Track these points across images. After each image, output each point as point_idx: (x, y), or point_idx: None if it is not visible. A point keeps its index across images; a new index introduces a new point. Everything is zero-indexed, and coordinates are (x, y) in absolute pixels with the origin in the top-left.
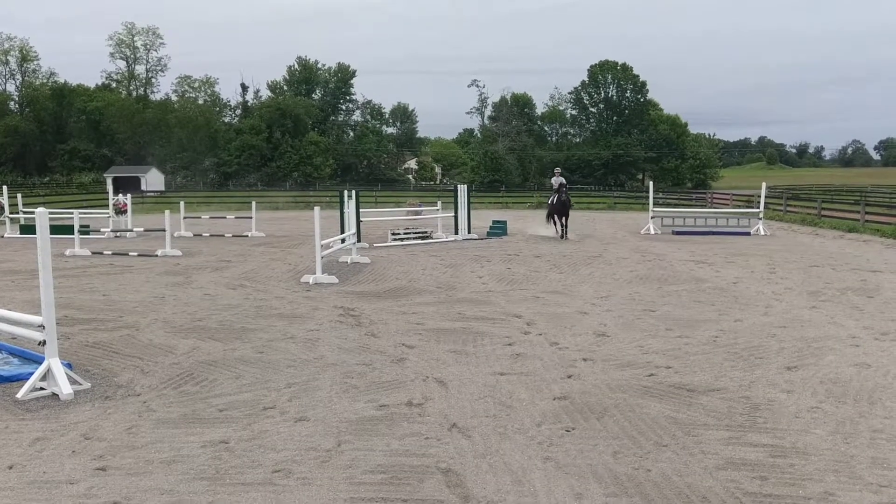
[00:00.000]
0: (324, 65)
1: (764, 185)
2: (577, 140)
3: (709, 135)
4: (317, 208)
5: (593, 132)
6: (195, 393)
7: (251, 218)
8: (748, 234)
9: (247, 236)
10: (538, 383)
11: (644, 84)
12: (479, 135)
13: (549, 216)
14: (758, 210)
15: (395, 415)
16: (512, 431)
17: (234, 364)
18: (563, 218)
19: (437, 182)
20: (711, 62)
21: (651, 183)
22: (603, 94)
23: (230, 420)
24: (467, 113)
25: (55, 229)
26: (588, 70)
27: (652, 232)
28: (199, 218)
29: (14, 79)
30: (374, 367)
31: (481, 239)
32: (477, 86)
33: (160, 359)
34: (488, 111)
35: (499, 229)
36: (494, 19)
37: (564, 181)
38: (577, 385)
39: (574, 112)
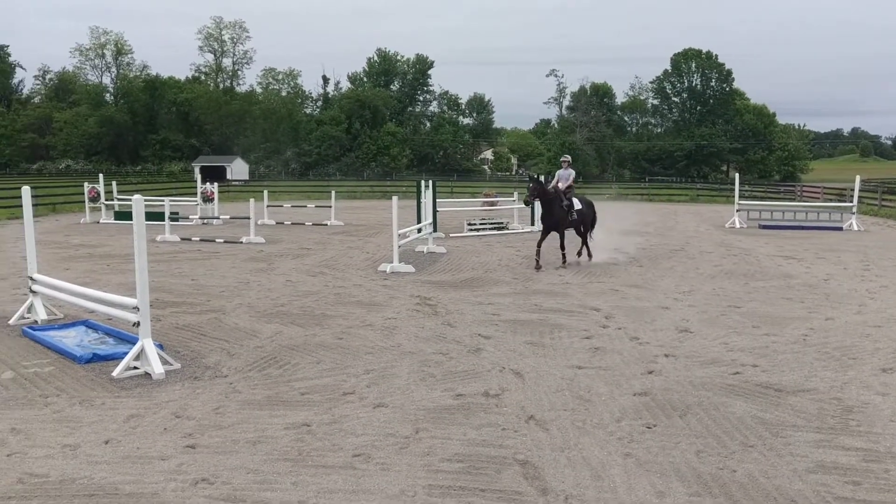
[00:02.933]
0: (402, 56)
1: (858, 178)
2: (659, 130)
3: (798, 125)
4: (395, 198)
5: (676, 122)
6: (278, 376)
7: (330, 207)
8: (840, 229)
9: (326, 225)
10: (617, 378)
11: (729, 73)
12: (556, 125)
13: (545, 233)
14: (851, 204)
15: (471, 404)
16: (591, 426)
17: (314, 349)
18: (584, 233)
19: (513, 173)
20: (801, 49)
21: (737, 175)
22: (686, 83)
23: (311, 404)
24: (545, 103)
25: (147, 216)
26: (671, 59)
27: (737, 225)
28: (281, 206)
29: (110, 71)
30: (450, 356)
31: None
32: (555, 75)
33: (245, 342)
34: (566, 101)
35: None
36: (574, 8)
37: (573, 173)
38: (658, 381)
39: (656, 102)
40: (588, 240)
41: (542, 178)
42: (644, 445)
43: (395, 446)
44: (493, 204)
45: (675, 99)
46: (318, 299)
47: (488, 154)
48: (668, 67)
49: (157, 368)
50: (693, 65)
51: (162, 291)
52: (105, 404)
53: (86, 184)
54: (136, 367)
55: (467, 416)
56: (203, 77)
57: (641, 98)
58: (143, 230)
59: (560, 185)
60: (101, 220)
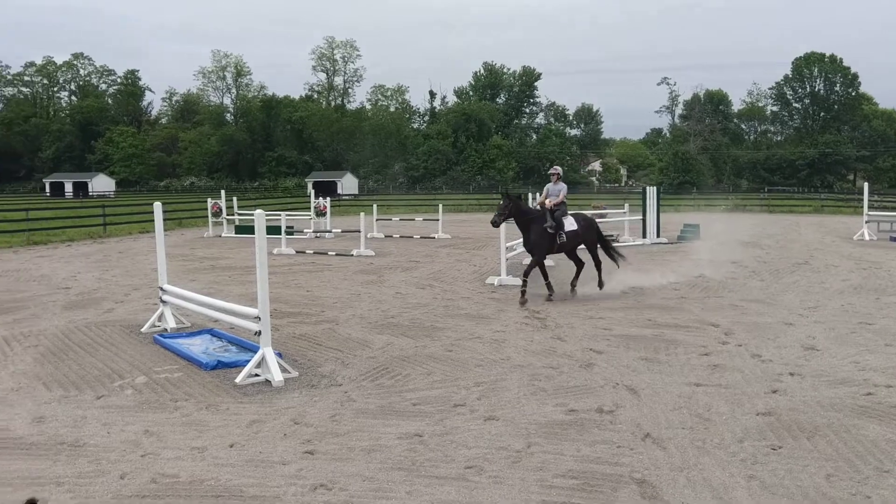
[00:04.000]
0: (509, 68)
1: None
2: (779, 138)
3: None
4: None
5: (797, 129)
6: (390, 386)
7: (438, 220)
8: None
9: (434, 238)
10: (739, 397)
11: (856, 76)
12: (668, 134)
13: (542, 255)
14: None
15: (584, 420)
16: (711, 446)
17: (425, 360)
18: (594, 255)
19: (622, 184)
20: None
21: (865, 184)
22: (808, 89)
23: (423, 414)
24: (656, 112)
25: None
26: (792, 63)
27: (866, 237)
28: (390, 220)
29: (230, 92)
30: (561, 370)
31: (671, 243)
32: (667, 83)
33: (358, 352)
34: (679, 109)
35: (690, 233)
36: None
37: (565, 187)
38: (783, 401)
39: (775, 108)
40: (600, 266)
41: (530, 196)
42: (769, 468)
43: (508, 460)
44: (602, 216)
45: (797, 105)
46: (427, 311)
47: (596, 165)
48: (789, 72)
49: (277, 376)
50: (815, 69)
51: (279, 302)
52: (229, 409)
53: (209, 199)
54: (257, 375)
55: (580, 432)
56: (316, 95)
57: (759, 105)
58: (265, 243)
59: (548, 202)
60: (222, 234)
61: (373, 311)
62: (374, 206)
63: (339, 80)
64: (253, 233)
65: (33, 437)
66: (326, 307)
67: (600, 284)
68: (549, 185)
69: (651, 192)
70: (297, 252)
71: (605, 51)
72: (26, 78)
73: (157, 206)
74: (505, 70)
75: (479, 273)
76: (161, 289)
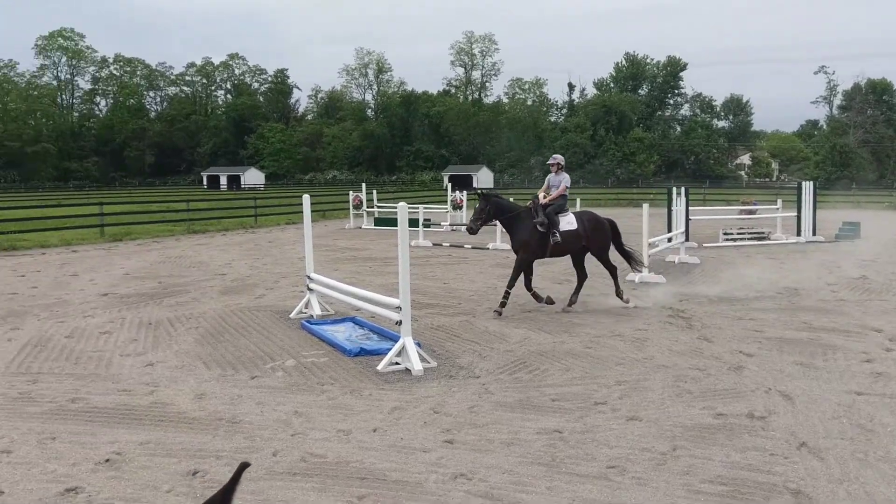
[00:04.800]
0: (652, 59)
1: None
2: None
3: None
4: (645, 205)
5: None
6: (528, 381)
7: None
8: None
9: None
10: None
11: None
12: (825, 126)
13: (528, 256)
14: None
15: (734, 425)
16: (874, 458)
17: (563, 356)
18: (604, 261)
19: (774, 179)
20: None
21: None
22: None
23: (562, 411)
24: (812, 103)
25: (397, 223)
26: None
27: None
28: None
29: (371, 89)
30: (708, 372)
31: (828, 241)
32: (825, 73)
33: (495, 345)
34: (838, 100)
35: (850, 231)
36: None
37: (567, 178)
38: None
39: None
40: (615, 273)
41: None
42: None
43: (652, 462)
44: (752, 212)
45: None
46: (564, 306)
47: (745, 159)
48: None
49: (417, 365)
50: None
51: (417, 293)
52: (372, 395)
53: (350, 192)
54: (397, 363)
55: (730, 438)
56: (453, 90)
57: None
58: (407, 235)
59: (541, 195)
60: (362, 226)
61: (509, 304)
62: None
63: (476, 75)
64: (392, 225)
65: (195, 412)
66: (463, 300)
67: (619, 294)
68: (549, 177)
69: (807, 187)
70: (433, 244)
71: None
72: (187, 78)
73: (306, 199)
74: (648, 60)
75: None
76: (308, 277)
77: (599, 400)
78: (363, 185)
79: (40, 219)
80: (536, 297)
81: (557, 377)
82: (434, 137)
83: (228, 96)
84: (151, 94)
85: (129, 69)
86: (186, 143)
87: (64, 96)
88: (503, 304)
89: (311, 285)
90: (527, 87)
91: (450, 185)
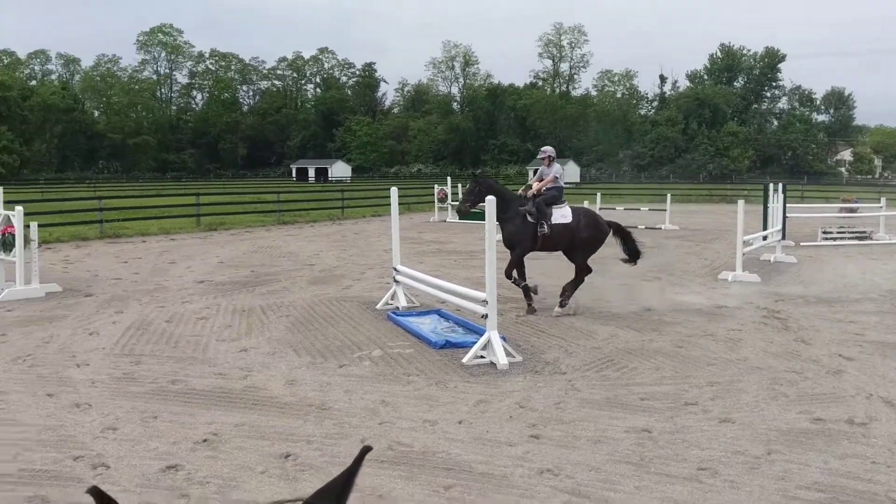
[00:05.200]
0: (749, 50)
1: None
2: None
3: None
4: (741, 202)
5: None
6: (616, 378)
7: (665, 210)
8: None
9: (660, 228)
10: None
11: None
12: None
13: (523, 251)
14: None
15: (832, 431)
16: None
17: (652, 355)
18: (577, 262)
19: (876, 176)
20: None
21: None
22: None
23: (651, 410)
24: None
25: (481, 216)
26: None
27: None
28: (614, 209)
29: (457, 82)
30: (805, 375)
31: None
32: None
33: (581, 342)
34: None
35: None
36: None
37: (559, 169)
38: None
39: None
40: (580, 276)
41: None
42: None
43: (745, 465)
44: (853, 210)
45: None
46: (654, 305)
47: (846, 155)
48: None
49: (502, 359)
50: None
51: (502, 287)
52: (457, 388)
53: (436, 186)
54: (482, 357)
55: (828, 444)
56: (540, 83)
57: None
58: (494, 229)
59: (535, 185)
60: (447, 220)
61: (596, 301)
62: (598, 194)
63: (564, 67)
64: (476, 219)
65: (286, 397)
66: (549, 295)
67: (561, 302)
68: (541, 169)
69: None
70: None
71: (860, 29)
72: (279, 72)
73: (394, 192)
74: (745, 51)
75: (711, 267)
76: (395, 269)
77: (690, 400)
78: (448, 178)
79: (141, 208)
80: (517, 282)
81: (646, 376)
82: (520, 131)
83: (318, 90)
84: (244, 88)
85: (223, 64)
86: (277, 136)
87: (163, 90)
88: (528, 298)
89: (398, 277)
90: (616, 79)
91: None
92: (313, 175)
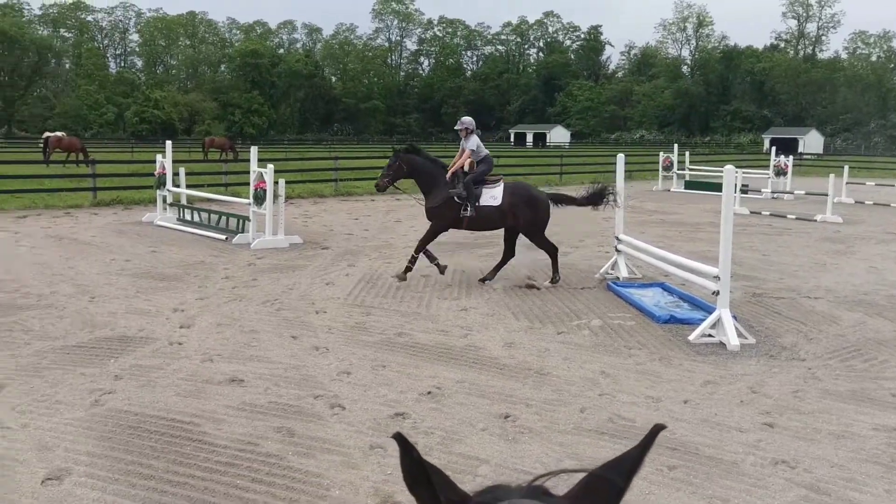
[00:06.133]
0: None
1: None
2: None
3: None
4: None
5: None
6: (863, 370)
7: None
8: None
9: None
10: None
11: None
12: None
13: (438, 228)
14: None
15: None
16: None
17: None
18: (508, 239)
19: None
20: None
21: None
22: None
23: None
24: None
25: (714, 187)
26: None
27: None
28: (863, 184)
29: (689, 44)
30: None
31: None
32: None
33: (824, 327)
34: None
35: None
36: None
37: (475, 142)
38: None
39: None
40: (553, 255)
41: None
42: None
43: None
44: None
45: None
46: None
47: None
48: None
49: (733, 340)
50: None
51: (733, 264)
52: (682, 366)
53: (661, 153)
54: (710, 335)
55: None
56: (782, 45)
57: None
58: (731, 201)
59: (460, 162)
60: (671, 189)
61: (841, 284)
62: (846, 167)
63: (811, 27)
64: (704, 189)
65: (505, 359)
66: (785, 274)
67: (553, 279)
68: (462, 142)
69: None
70: (751, 212)
71: None
72: (502, 37)
73: (620, 158)
74: None
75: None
76: (617, 238)
77: None
78: (675, 146)
79: (370, 168)
80: (430, 257)
81: None
82: (756, 96)
83: (540, 54)
84: (468, 53)
85: (450, 30)
86: (497, 101)
87: (393, 57)
88: (408, 270)
89: (620, 247)
90: (871, 40)
91: (773, 149)
92: (531, 140)
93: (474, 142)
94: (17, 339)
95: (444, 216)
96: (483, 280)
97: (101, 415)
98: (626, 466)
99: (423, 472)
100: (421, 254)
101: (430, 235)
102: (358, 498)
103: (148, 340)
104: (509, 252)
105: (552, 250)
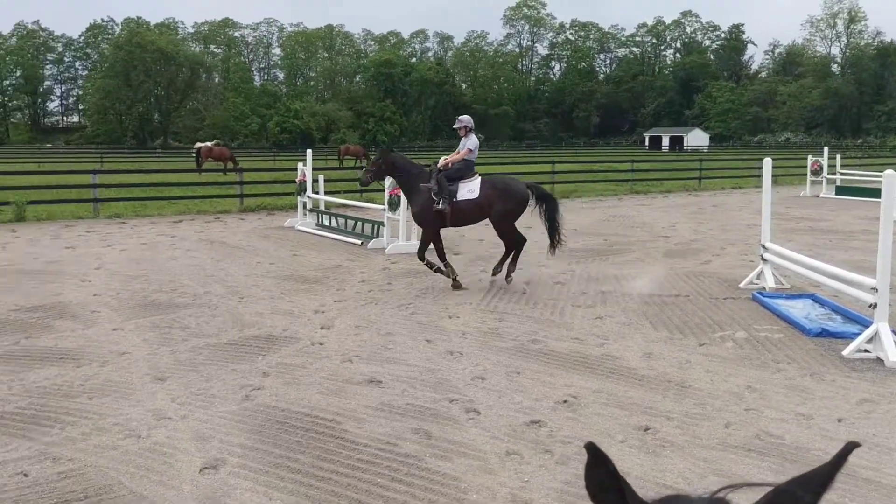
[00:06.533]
0: None
1: None
2: None
3: None
4: None
5: None
6: None
7: None
8: None
9: None
10: None
11: None
12: None
13: (432, 228)
14: None
15: None
16: None
17: None
18: (505, 237)
19: None
20: None
21: None
22: None
23: None
24: None
25: (871, 192)
26: None
27: None
28: None
29: (839, 41)
30: None
31: None
32: None
33: None
34: None
35: None
36: None
37: (473, 141)
38: None
39: None
40: (515, 252)
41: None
42: None
43: None
44: None
45: None
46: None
47: None
48: None
49: (892, 356)
50: None
51: (892, 274)
52: (836, 382)
53: (809, 157)
54: (866, 351)
55: None
56: None
57: None
58: (892, 208)
59: (457, 157)
60: (820, 195)
61: None
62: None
63: None
64: (858, 195)
65: (644, 370)
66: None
67: (508, 272)
68: (462, 141)
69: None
70: None
71: None
72: (637, 38)
73: (767, 162)
74: None
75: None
76: (763, 246)
77: None
78: (825, 149)
79: (499, 175)
80: (430, 265)
81: None
82: None
83: (677, 55)
84: (601, 56)
85: (583, 34)
86: (631, 104)
87: (523, 62)
88: (453, 281)
89: (766, 255)
90: None
91: None
92: (667, 144)
93: (474, 141)
94: (175, 335)
95: (427, 220)
96: (501, 276)
97: (252, 409)
98: (815, 483)
99: (616, 484)
100: (446, 260)
101: (425, 243)
102: (495, 503)
103: (292, 340)
104: (519, 239)
105: (517, 244)
